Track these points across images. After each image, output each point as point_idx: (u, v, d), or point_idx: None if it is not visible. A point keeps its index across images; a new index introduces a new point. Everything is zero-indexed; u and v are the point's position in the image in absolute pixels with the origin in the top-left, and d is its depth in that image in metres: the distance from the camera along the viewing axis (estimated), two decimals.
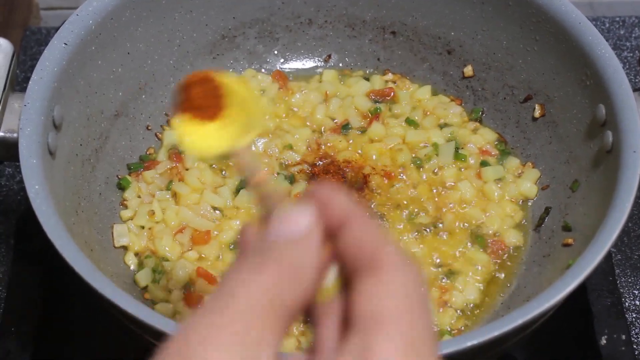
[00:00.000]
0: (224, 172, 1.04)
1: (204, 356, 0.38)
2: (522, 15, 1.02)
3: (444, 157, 1.05)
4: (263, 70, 1.14)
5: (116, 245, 0.98)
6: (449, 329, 0.93)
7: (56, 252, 0.78)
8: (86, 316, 0.99)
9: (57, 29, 0.95)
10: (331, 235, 0.45)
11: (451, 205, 1.01)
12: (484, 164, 1.05)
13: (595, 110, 0.94)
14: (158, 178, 1.03)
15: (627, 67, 1.27)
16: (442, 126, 1.08)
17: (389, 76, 1.13)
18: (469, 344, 0.73)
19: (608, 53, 0.93)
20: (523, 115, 1.07)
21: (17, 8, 1.40)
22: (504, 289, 0.97)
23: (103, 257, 0.94)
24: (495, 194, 1.03)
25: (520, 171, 1.05)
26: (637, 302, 1.04)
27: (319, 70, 1.15)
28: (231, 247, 0.98)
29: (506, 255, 0.99)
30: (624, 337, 0.97)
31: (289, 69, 1.15)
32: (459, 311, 0.94)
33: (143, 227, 1.00)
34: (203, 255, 0.97)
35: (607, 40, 0.95)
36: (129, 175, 1.04)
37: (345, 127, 1.08)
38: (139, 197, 1.02)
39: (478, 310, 0.95)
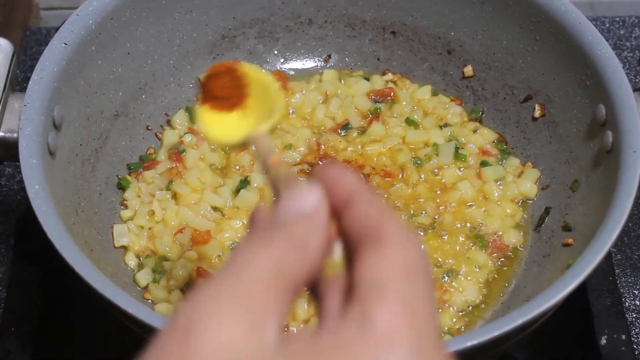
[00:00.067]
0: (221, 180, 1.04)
1: (206, 330, 0.39)
2: (522, 15, 1.02)
3: (444, 157, 1.05)
4: (263, 70, 1.14)
5: (116, 245, 0.98)
6: (449, 329, 0.93)
7: (56, 252, 0.78)
8: (86, 316, 0.99)
9: (57, 29, 0.95)
10: (337, 213, 0.46)
11: (451, 205, 1.01)
12: (484, 164, 1.05)
13: (595, 110, 0.94)
14: (158, 178, 1.03)
15: (627, 67, 1.27)
16: (442, 126, 1.08)
17: (389, 76, 1.13)
18: (469, 344, 0.73)
19: (608, 53, 0.93)
20: (523, 115, 1.07)
21: (17, 8, 1.40)
22: (504, 289, 0.97)
23: (103, 257, 0.94)
24: (495, 194, 1.03)
25: (520, 171, 1.05)
26: (637, 302, 1.04)
27: (319, 70, 1.15)
28: (231, 247, 0.98)
29: (506, 255, 0.99)
30: (624, 337, 0.97)
31: (289, 69, 1.15)
32: (459, 311, 0.94)
33: (143, 227, 1.00)
34: (203, 256, 0.97)
35: (607, 40, 0.95)
36: (129, 175, 1.04)
37: (345, 127, 1.08)
38: (139, 197, 1.02)
39: (478, 311, 0.95)
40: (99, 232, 0.97)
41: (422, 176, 1.04)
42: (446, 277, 0.96)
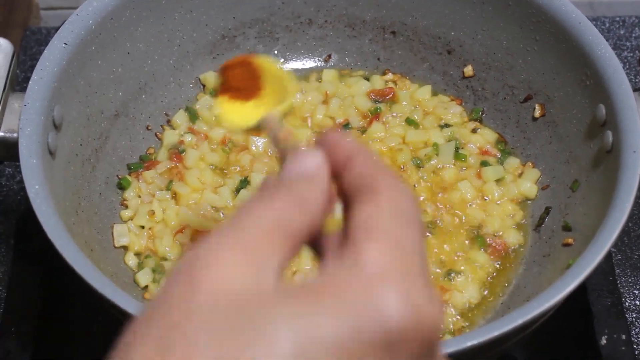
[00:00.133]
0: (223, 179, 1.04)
1: (209, 270, 0.41)
2: (522, 15, 1.02)
3: (444, 157, 1.05)
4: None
5: (116, 245, 0.98)
6: (449, 329, 0.93)
7: (56, 252, 0.78)
8: (86, 316, 0.99)
9: (57, 29, 0.95)
10: (338, 174, 0.49)
11: (451, 205, 1.01)
12: (484, 164, 1.05)
13: (595, 110, 0.94)
14: (158, 178, 1.03)
15: (627, 67, 1.27)
16: (442, 126, 1.08)
17: (389, 76, 1.13)
18: (469, 344, 0.73)
19: (608, 53, 0.93)
20: (523, 115, 1.07)
21: (17, 8, 1.40)
22: (504, 289, 0.97)
23: (103, 257, 0.94)
24: (496, 194, 1.03)
25: (520, 171, 1.05)
26: (637, 302, 1.04)
27: (319, 70, 1.15)
28: None
29: (506, 255, 0.99)
30: (624, 337, 0.97)
31: (289, 69, 1.15)
32: (459, 311, 0.94)
33: (143, 227, 1.00)
34: None
35: (607, 40, 0.95)
36: (129, 175, 1.04)
37: (345, 127, 1.08)
38: (139, 197, 1.02)
39: (478, 310, 0.95)
40: (99, 232, 0.97)
41: (423, 176, 1.04)
42: (446, 277, 0.96)
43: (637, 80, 1.26)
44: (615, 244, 1.04)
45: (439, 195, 1.02)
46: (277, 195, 0.45)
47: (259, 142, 1.06)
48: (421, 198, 1.02)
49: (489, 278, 0.97)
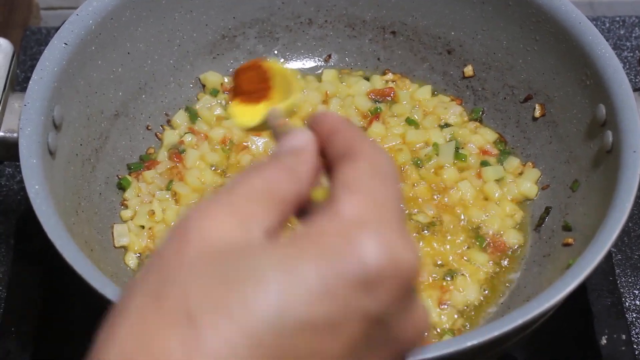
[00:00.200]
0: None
1: (200, 226, 0.44)
2: (522, 15, 1.02)
3: (444, 157, 1.05)
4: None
5: (116, 245, 0.98)
6: (449, 329, 0.93)
7: (56, 252, 0.78)
8: (86, 316, 0.99)
9: (57, 29, 0.95)
10: (324, 148, 0.52)
11: (451, 205, 1.01)
12: (484, 164, 1.05)
13: (595, 110, 0.94)
14: (158, 178, 1.03)
15: (627, 67, 1.27)
16: (442, 126, 1.08)
17: (389, 76, 1.13)
18: (469, 344, 0.73)
19: (608, 53, 0.93)
20: (523, 115, 1.07)
21: (17, 8, 1.40)
22: (504, 289, 0.97)
23: (103, 257, 0.94)
24: (496, 194, 1.03)
25: (520, 171, 1.05)
26: (637, 302, 1.04)
27: (319, 70, 1.15)
28: None
29: (506, 255, 0.99)
30: (624, 337, 0.97)
31: (289, 69, 1.15)
32: (459, 311, 0.94)
33: (143, 227, 1.00)
34: None
35: (607, 40, 0.95)
36: (129, 175, 1.04)
37: None
38: (139, 197, 1.02)
39: (478, 310, 0.95)
40: (99, 232, 0.97)
41: (423, 176, 1.04)
42: (446, 277, 0.96)
43: (637, 80, 1.26)
44: (615, 244, 1.04)
45: (439, 195, 1.02)
46: (267, 166, 0.49)
47: (259, 142, 1.06)
48: (421, 199, 1.02)
49: (488, 278, 0.97)
